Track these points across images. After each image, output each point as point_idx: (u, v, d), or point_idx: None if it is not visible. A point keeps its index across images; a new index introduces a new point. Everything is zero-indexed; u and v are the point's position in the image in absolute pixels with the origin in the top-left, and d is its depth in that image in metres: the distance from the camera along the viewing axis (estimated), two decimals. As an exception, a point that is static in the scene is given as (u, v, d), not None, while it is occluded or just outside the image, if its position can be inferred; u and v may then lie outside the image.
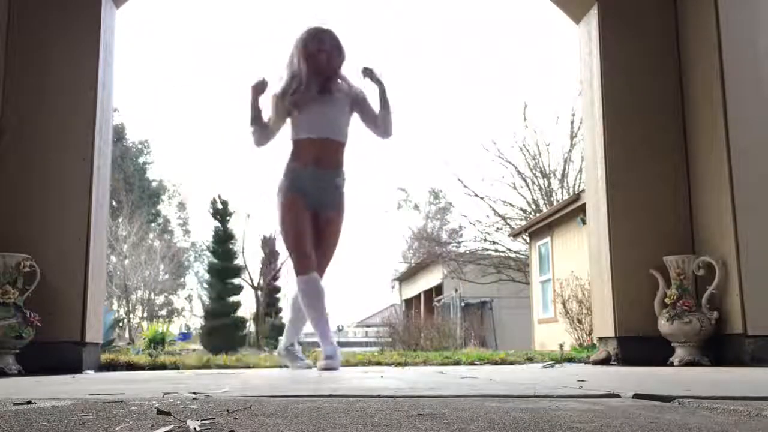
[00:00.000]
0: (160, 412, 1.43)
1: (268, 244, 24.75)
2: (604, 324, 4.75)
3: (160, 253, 31.55)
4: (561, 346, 7.71)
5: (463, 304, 21.51)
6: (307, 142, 4.16)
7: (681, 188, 4.70)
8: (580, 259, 10.41)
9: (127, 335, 22.54)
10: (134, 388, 2.45)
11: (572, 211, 12.68)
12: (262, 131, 4.26)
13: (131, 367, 4.68)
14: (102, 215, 4.60)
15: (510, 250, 22.05)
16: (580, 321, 10.14)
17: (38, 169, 4.35)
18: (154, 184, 39.17)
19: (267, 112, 4.27)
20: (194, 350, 14.51)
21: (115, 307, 27.97)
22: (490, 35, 52.22)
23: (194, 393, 2.02)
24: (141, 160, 39.16)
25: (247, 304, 24.76)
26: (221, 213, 24.07)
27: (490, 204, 22.18)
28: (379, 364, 5.08)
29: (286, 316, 4.24)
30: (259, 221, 39.97)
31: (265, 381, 3.02)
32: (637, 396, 1.91)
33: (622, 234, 4.66)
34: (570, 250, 13.09)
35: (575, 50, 5.33)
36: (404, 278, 30.01)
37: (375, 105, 4.30)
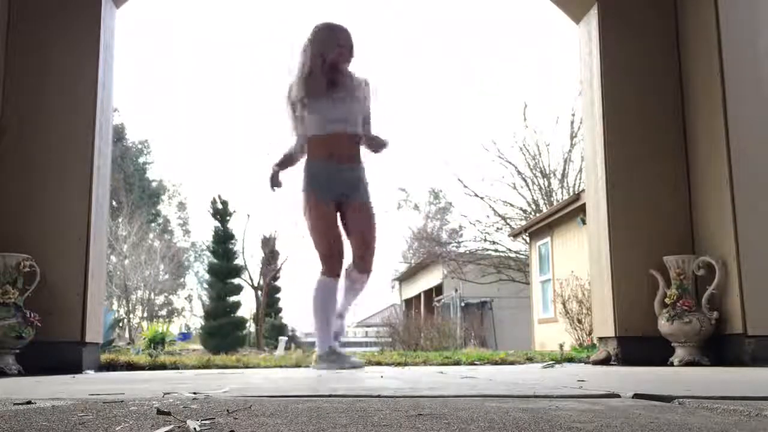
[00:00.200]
0: (160, 412, 1.43)
1: (268, 244, 24.71)
2: (604, 324, 4.75)
3: (160, 253, 31.54)
4: (561, 346, 7.72)
5: (463, 304, 21.51)
6: (318, 139, 4.14)
7: (681, 188, 4.70)
8: (580, 259, 10.42)
9: (127, 335, 22.51)
10: (134, 388, 2.45)
11: (572, 211, 12.68)
12: (288, 162, 4.31)
13: (131, 367, 4.68)
14: (102, 215, 4.60)
15: (510, 250, 22.06)
16: (580, 321, 10.14)
17: (38, 169, 4.35)
18: (154, 184, 39.19)
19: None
20: (194, 350, 14.51)
21: (115, 307, 27.97)
22: (490, 35, 52.26)
23: (194, 393, 2.02)
24: (141, 160, 39.18)
25: (247, 304, 24.75)
26: (221, 213, 24.04)
27: (490, 204, 22.21)
28: (379, 364, 5.08)
29: (314, 320, 4.06)
30: (259, 221, 40.00)
31: (265, 381, 3.02)
32: (637, 396, 1.91)
33: (622, 234, 4.66)
34: (570, 250, 13.09)
35: (575, 50, 5.33)
36: (404, 278, 30.01)
37: (373, 105, 4.29)
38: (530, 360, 5.46)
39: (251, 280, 24.21)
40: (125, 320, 27.59)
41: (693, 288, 4.46)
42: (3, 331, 3.90)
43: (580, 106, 9.98)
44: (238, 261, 23.90)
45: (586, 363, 4.96)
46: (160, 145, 55.44)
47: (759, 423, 1.34)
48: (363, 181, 4.18)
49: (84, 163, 4.36)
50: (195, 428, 1.23)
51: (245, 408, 1.54)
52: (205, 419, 1.35)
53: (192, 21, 56.67)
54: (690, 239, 4.62)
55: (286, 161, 4.31)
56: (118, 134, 33.63)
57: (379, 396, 1.92)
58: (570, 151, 21.54)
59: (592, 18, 5.00)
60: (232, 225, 24.19)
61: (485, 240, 22.64)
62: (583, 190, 11.06)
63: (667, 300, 4.45)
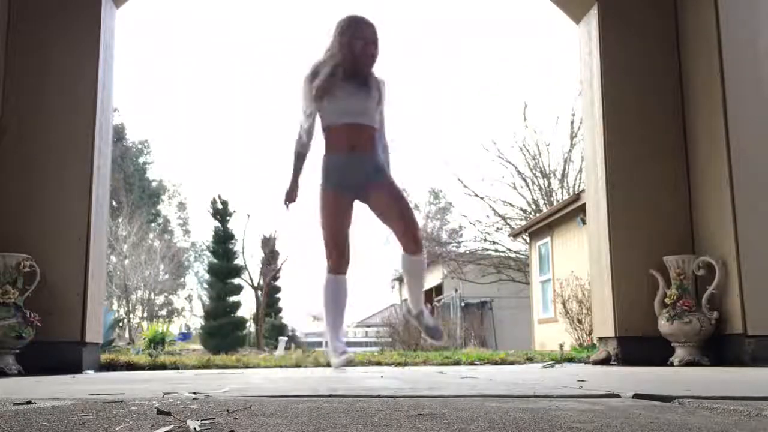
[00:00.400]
0: (160, 412, 1.43)
1: (268, 244, 24.71)
2: (604, 324, 4.75)
3: (160, 253, 31.52)
4: (561, 346, 7.72)
5: (463, 304, 21.51)
6: (338, 128, 4.03)
7: (681, 188, 4.70)
8: (580, 259, 10.41)
9: (127, 335, 22.50)
10: (134, 388, 2.45)
11: (572, 211, 12.68)
12: (303, 145, 4.18)
13: (131, 367, 4.69)
14: (102, 215, 4.60)
15: (510, 250, 22.06)
16: (580, 321, 10.14)
17: (38, 169, 4.35)
18: (154, 184, 39.17)
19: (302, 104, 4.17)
20: (194, 350, 14.51)
21: (115, 307, 27.95)
22: (491, 35, 52.26)
23: (194, 393, 2.02)
24: (141, 160, 39.16)
25: (247, 304, 24.76)
26: (221, 213, 24.04)
27: (490, 204, 22.20)
28: (379, 364, 5.08)
29: (326, 318, 3.99)
30: (259, 221, 39.99)
31: (265, 381, 3.02)
32: (637, 396, 1.91)
33: (622, 234, 4.66)
34: (570, 250, 13.09)
35: (575, 50, 5.33)
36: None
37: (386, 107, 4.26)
38: (530, 360, 5.46)
39: (251, 280, 24.22)
40: (125, 320, 27.57)
41: (693, 288, 4.46)
42: (3, 331, 3.90)
43: (580, 106, 9.98)
44: (238, 261, 23.92)
45: (586, 363, 4.97)
46: (160, 145, 55.42)
47: (759, 423, 1.34)
48: (384, 170, 4.07)
49: (84, 163, 4.37)
50: (195, 428, 1.23)
51: (245, 408, 1.54)
52: (205, 419, 1.35)
53: (192, 21, 56.70)
54: (690, 239, 4.62)
55: (300, 158, 4.19)
56: (118, 134, 33.63)
57: (379, 396, 1.92)
58: (570, 151, 21.54)
59: (592, 18, 5.00)
60: (232, 225, 24.22)
61: (485, 240, 22.66)
62: (583, 190, 11.07)
63: (667, 300, 4.45)
